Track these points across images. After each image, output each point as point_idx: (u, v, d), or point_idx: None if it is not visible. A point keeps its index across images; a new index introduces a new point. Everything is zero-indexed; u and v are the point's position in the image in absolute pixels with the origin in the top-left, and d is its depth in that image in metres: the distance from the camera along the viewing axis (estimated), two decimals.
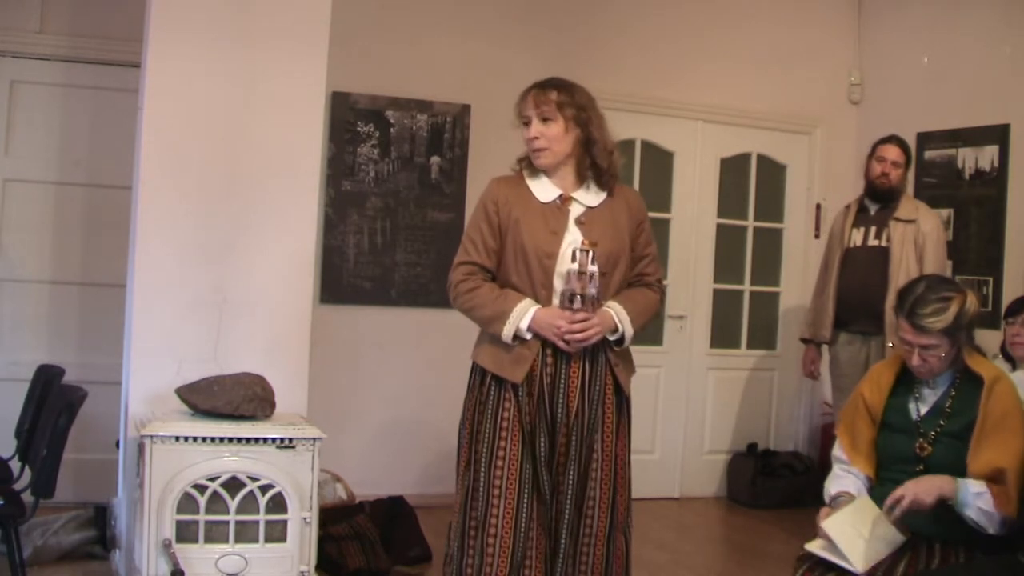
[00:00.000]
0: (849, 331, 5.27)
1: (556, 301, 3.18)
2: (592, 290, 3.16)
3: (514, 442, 3.15)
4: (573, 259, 3.16)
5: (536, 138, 3.23)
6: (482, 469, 3.18)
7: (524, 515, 3.13)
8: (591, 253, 3.15)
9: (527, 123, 3.25)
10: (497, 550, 3.12)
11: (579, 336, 3.14)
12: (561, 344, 3.15)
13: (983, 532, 2.84)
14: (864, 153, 5.38)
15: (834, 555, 2.87)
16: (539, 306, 3.16)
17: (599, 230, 3.23)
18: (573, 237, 3.20)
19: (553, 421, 3.19)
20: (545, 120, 3.22)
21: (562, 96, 3.23)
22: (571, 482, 3.20)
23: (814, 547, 2.94)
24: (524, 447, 3.15)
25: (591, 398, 3.21)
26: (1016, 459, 2.85)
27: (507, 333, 3.14)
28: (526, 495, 3.14)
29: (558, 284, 3.19)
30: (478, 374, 3.29)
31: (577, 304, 3.14)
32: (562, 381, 3.19)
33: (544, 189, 3.27)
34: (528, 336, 3.16)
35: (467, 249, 3.27)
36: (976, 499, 2.81)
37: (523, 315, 3.14)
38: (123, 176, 4.65)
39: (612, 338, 3.23)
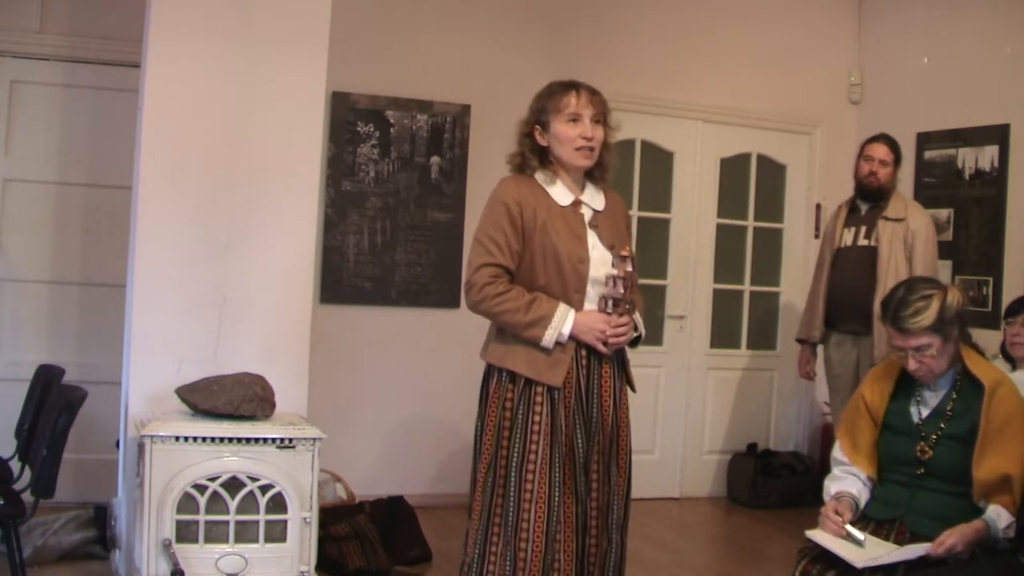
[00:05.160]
0: (840, 331, 5.27)
1: (588, 305, 3.20)
2: (630, 295, 3.21)
3: (545, 446, 3.13)
4: (613, 265, 3.19)
5: (592, 138, 3.23)
6: (512, 474, 3.15)
7: (555, 518, 3.12)
8: (628, 259, 3.19)
9: (576, 120, 3.20)
10: (529, 555, 3.11)
11: (621, 339, 3.20)
12: (600, 347, 3.18)
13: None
14: None
15: (835, 546, 2.88)
16: (574, 310, 3.17)
17: (608, 233, 3.27)
18: (593, 241, 3.23)
19: (589, 421, 3.20)
20: (596, 123, 3.23)
21: (605, 103, 3.27)
22: (600, 480, 3.22)
23: (815, 535, 2.95)
24: (554, 450, 3.14)
25: (615, 397, 3.26)
26: (1021, 463, 2.85)
27: (549, 338, 3.12)
28: (556, 498, 3.13)
29: (591, 288, 3.20)
30: (504, 378, 3.21)
31: (610, 308, 3.18)
32: (595, 382, 3.22)
33: (561, 192, 3.26)
34: (566, 340, 3.16)
35: (490, 250, 3.17)
36: (1006, 530, 2.83)
37: (564, 320, 3.14)
38: (123, 176, 4.65)
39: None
